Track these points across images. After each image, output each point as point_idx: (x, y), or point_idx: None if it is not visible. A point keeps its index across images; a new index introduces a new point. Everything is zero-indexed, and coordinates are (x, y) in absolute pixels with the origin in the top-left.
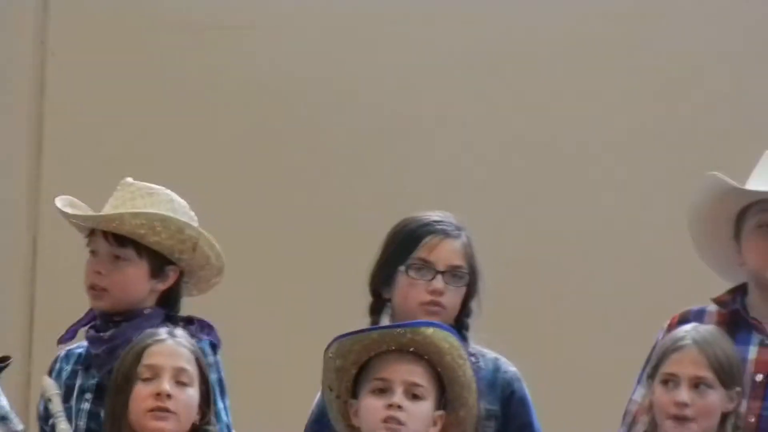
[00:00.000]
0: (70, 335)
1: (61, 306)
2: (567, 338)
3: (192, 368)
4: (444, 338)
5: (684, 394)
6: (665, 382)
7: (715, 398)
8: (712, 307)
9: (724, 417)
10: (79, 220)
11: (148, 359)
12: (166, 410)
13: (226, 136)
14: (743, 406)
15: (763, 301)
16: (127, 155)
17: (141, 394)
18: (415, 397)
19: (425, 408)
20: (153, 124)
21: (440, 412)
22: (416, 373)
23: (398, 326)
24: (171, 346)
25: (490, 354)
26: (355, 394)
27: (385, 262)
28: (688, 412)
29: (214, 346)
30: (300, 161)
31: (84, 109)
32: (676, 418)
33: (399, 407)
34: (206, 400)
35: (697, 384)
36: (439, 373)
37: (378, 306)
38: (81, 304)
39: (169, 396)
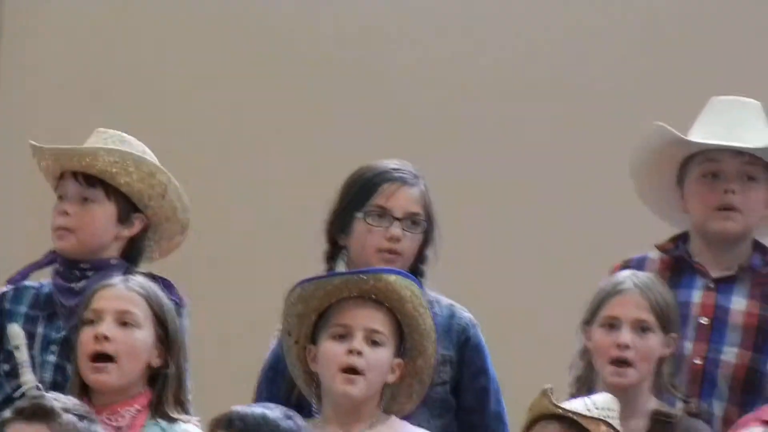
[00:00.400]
0: (22, 276)
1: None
2: (518, 285)
3: (141, 311)
4: (406, 286)
5: (626, 336)
6: (606, 325)
7: (655, 342)
8: (654, 255)
9: (660, 363)
10: (55, 153)
11: (94, 303)
12: (105, 354)
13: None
14: (688, 350)
15: (706, 248)
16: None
17: (83, 338)
18: (374, 343)
19: (384, 355)
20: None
21: (398, 360)
22: (377, 320)
23: (361, 272)
24: (118, 290)
25: (445, 300)
26: (314, 339)
27: (342, 209)
28: (629, 354)
29: (178, 306)
30: (256, 107)
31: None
32: (617, 362)
33: (359, 353)
34: (166, 344)
35: (638, 327)
36: (399, 321)
37: (334, 253)
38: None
39: (107, 338)
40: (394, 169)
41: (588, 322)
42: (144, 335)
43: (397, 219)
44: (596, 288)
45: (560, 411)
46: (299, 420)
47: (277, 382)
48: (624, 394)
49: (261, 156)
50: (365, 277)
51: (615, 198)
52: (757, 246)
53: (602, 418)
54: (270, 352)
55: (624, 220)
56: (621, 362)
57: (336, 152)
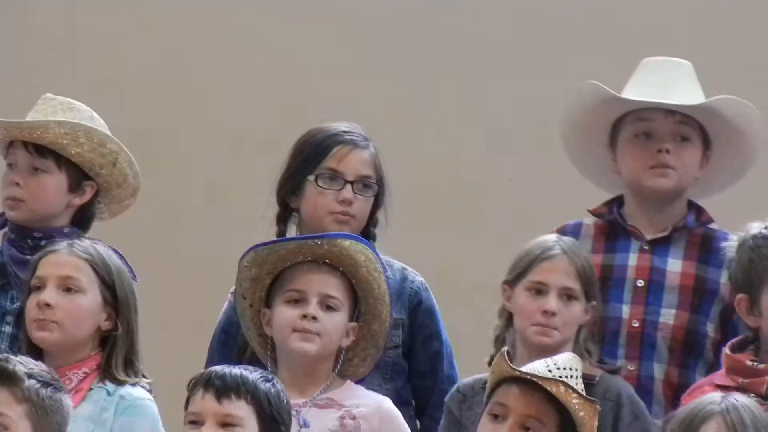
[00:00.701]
0: None
1: None
2: (466, 250)
3: (85, 276)
4: (360, 251)
5: (552, 302)
6: (533, 290)
7: (578, 310)
8: (589, 220)
9: (578, 329)
10: (5, 124)
11: (39, 270)
12: (47, 321)
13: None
14: (626, 313)
15: (640, 210)
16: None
17: (28, 305)
18: (329, 308)
19: (339, 319)
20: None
21: (353, 324)
22: (331, 285)
23: (316, 237)
24: (61, 256)
25: (398, 264)
26: (268, 303)
27: (293, 172)
28: (555, 320)
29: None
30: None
31: None
32: (541, 325)
33: (313, 318)
34: (115, 306)
35: (564, 295)
36: (354, 286)
37: (285, 215)
38: None
39: (48, 305)
40: (345, 132)
41: (511, 282)
42: (89, 300)
43: (349, 182)
44: (522, 249)
45: (518, 373)
46: (279, 384)
47: (229, 344)
48: (543, 356)
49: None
50: (320, 242)
51: (552, 163)
52: (692, 205)
53: (562, 377)
54: (223, 314)
55: (561, 186)
56: (546, 326)
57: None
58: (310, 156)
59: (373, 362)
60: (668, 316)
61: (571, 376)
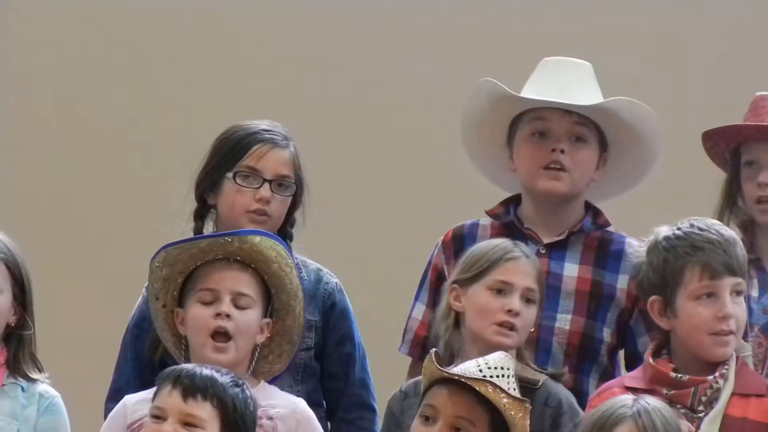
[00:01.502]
0: None
1: None
2: (381, 251)
3: (2, 277)
4: (271, 246)
5: (516, 302)
6: (495, 289)
7: (534, 313)
8: (485, 220)
9: None
10: None
11: None
12: None
13: None
14: None
15: (536, 211)
16: None
17: None
18: (242, 306)
19: (252, 317)
20: None
21: (267, 320)
22: (243, 283)
23: (226, 234)
24: None
25: (313, 264)
26: (181, 302)
27: (211, 168)
28: (517, 321)
29: None
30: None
31: None
32: (505, 326)
33: (227, 316)
34: (23, 303)
35: (525, 297)
36: (266, 282)
37: (203, 212)
38: None
39: None
40: (265, 130)
41: (464, 281)
42: (3, 300)
43: (267, 180)
44: (475, 250)
45: (446, 374)
46: (248, 390)
47: (142, 340)
48: None
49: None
50: (230, 240)
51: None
52: (589, 208)
53: (493, 377)
54: (136, 308)
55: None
56: (508, 326)
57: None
58: (229, 153)
59: (289, 358)
60: (564, 321)
61: (503, 375)
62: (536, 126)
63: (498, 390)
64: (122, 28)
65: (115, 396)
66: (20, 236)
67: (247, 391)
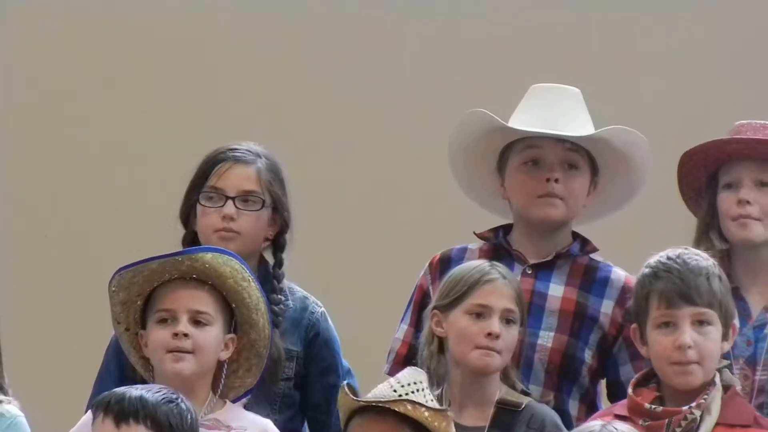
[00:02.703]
0: None
1: None
2: (368, 274)
3: None
4: (225, 262)
5: (496, 324)
6: (474, 313)
7: (515, 333)
8: (474, 245)
9: None
10: None
11: None
12: None
13: None
14: None
15: (526, 235)
16: None
17: None
18: (200, 323)
19: (212, 334)
20: None
21: (231, 335)
22: (199, 300)
23: (175, 254)
24: None
25: (299, 292)
26: (144, 325)
27: (186, 196)
28: (497, 344)
29: None
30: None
31: None
32: (486, 349)
33: (185, 335)
34: None
35: (504, 318)
36: (226, 297)
37: (189, 237)
38: None
39: None
40: (230, 149)
41: (443, 307)
42: None
43: (230, 198)
44: (453, 275)
45: (362, 402)
46: (184, 403)
47: (123, 355)
48: (478, 382)
49: None
50: (180, 259)
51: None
52: (577, 236)
53: (408, 394)
54: None
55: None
56: (490, 349)
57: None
58: (197, 177)
59: (259, 371)
60: (546, 338)
61: (418, 390)
62: (529, 154)
63: (417, 406)
64: (117, 31)
65: None
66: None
67: (183, 404)
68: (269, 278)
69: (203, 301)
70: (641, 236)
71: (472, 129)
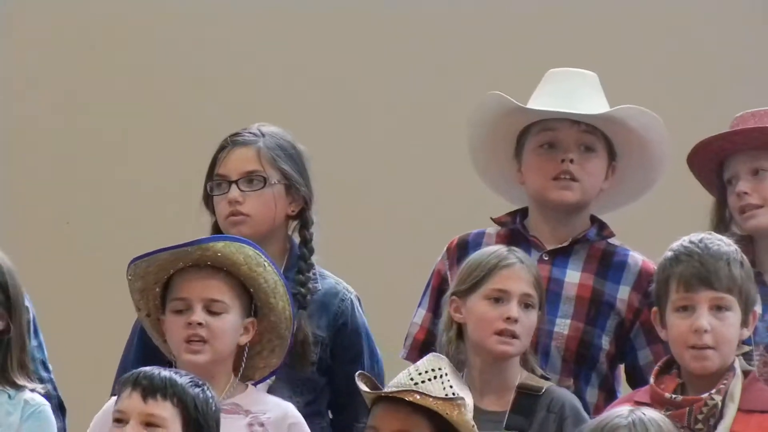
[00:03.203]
0: None
1: None
2: (387, 260)
3: None
4: (236, 250)
5: (514, 309)
6: (492, 298)
7: (535, 317)
8: (491, 230)
9: None
10: None
11: None
12: None
13: None
14: None
15: (543, 220)
16: None
17: None
18: (215, 312)
19: (227, 321)
20: None
21: (251, 319)
22: (213, 289)
23: (186, 245)
24: None
25: (331, 278)
26: (165, 310)
27: (204, 186)
28: (517, 328)
29: None
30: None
31: None
32: (505, 334)
33: (199, 324)
34: (7, 307)
35: (523, 302)
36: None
37: (214, 225)
38: None
39: None
40: (231, 135)
41: (462, 293)
42: None
43: (233, 182)
44: (471, 260)
45: (372, 394)
46: (209, 391)
47: (144, 341)
48: (498, 367)
49: None
50: (190, 249)
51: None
52: (595, 220)
53: (424, 381)
54: None
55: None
56: (510, 334)
57: None
58: (209, 168)
59: (283, 352)
60: (563, 326)
61: (436, 377)
62: (545, 137)
63: (425, 396)
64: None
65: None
66: (17, 240)
67: (208, 392)
68: (297, 258)
69: (218, 289)
70: (662, 221)
71: (490, 111)
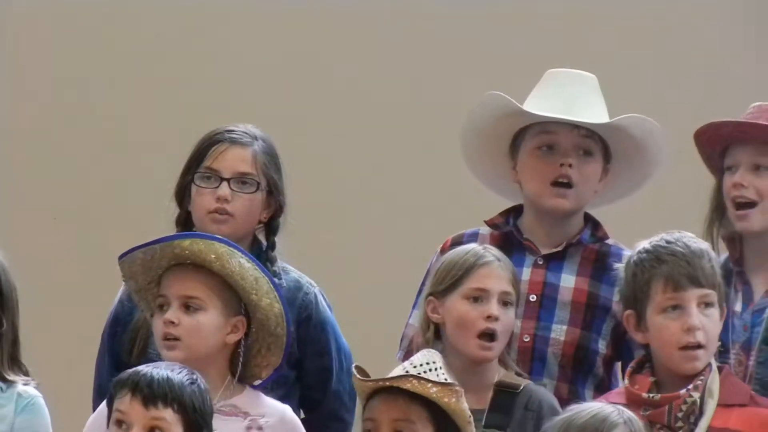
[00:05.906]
0: None
1: None
2: (380, 260)
3: None
4: (206, 248)
5: (495, 308)
6: (471, 298)
7: (512, 316)
8: (485, 230)
9: None
10: None
11: None
12: None
13: None
14: (517, 327)
15: (536, 223)
16: None
17: None
18: (191, 309)
19: (204, 318)
20: None
21: (239, 317)
22: (190, 286)
23: (154, 243)
24: None
25: (294, 272)
26: None
27: (182, 176)
28: (497, 326)
29: None
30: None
31: None
32: (485, 335)
33: (171, 323)
34: (1, 306)
35: (502, 301)
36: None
37: (182, 217)
38: None
39: None
40: (227, 131)
41: (439, 293)
42: None
43: (225, 179)
44: (447, 260)
45: (370, 383)
46: (202, 384)
47: (118, 340)
48: (477, 367)
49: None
50: (158, 247)
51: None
52: (588, 219)
53: (419, 374)
54: (111, 310)
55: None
56: (489, 335)
57: None
58: (193, 158)
59: (280, 349)
60: (559, 332)
61: (431, 369)
62: (543, 140)
63: (423, 381)
64: (114, 28)
65: (100, 392)
66: (3, 236)
67: (202, 385)
68: (261, 260)
69: (193, 287)
70: (661, 221)
71: (490, 112)
